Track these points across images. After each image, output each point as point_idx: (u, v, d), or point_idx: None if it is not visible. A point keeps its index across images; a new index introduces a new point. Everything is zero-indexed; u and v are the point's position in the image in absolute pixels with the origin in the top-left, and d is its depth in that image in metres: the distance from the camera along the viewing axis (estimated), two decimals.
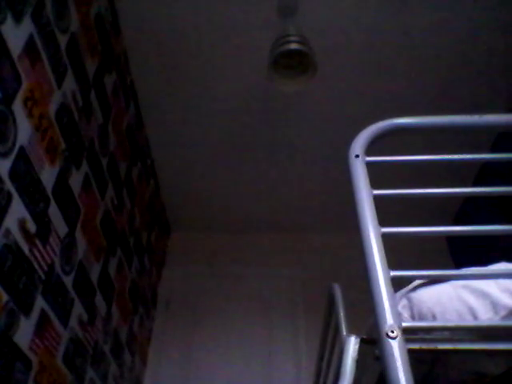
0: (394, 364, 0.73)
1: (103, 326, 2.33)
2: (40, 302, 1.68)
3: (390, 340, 0.76)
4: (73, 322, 1.96)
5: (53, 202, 1.76)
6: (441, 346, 0.95)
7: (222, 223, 3.71)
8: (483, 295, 1.02)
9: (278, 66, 2.34)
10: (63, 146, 1.83)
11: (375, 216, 0.96)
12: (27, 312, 1.59)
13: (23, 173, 1.54)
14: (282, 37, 2.29)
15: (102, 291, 2.29)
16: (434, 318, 1.03)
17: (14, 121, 1.48)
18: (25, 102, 1.53)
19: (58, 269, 1.81)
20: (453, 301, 1.04)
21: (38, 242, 1.65)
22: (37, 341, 1.66)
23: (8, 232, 1.46)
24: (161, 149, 3.19)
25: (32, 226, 1.60)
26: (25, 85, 1.53)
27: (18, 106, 1.49)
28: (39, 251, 1.66)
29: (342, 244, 3.21)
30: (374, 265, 0.87)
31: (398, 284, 0.91)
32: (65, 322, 1.89)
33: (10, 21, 1.43)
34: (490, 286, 1.03)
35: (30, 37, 1.56)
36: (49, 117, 1.71)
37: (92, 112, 2.13)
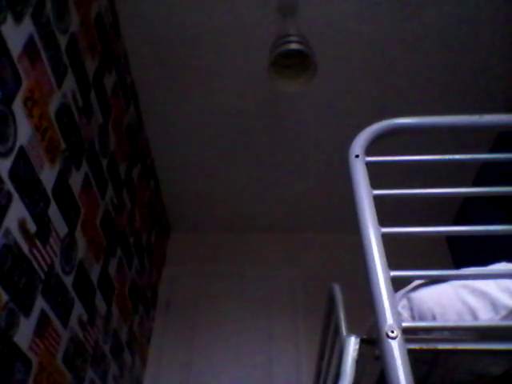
0: (394, 364, 0.73)
1: (103, 326, 2.33)
2: (40, 302, 1.68)
3: (390, 340, 0.76)
4: (73, 322, 1.96)
5: (53, 202, 1.76)
6: (441, 346, 0.95)
7: (221, 223, 3.71)
8: (483, 295, 1.02)
9: (278, 65, 2.34)
10: (63, 145, 1.83)
11: (375, 216, 0.96)
12: (27, 312, 1.59)
13: (23, 173, 1.54)
14: (282, 37, 2.29)
15: (102, 291, 2.29)
16: (433, 318, 1.03)
17: (14, 121, 1.47)
18: (25, 102, 1.53)
19: (58, 269, 1.81)
20: (453, 301, 1.04)
21: (37, 242, 1.65)
22: (37, 341, 1.66)
23: (8, 232, 1.46)
24: (161, 149, 3.19)
25: (32, 226, 1.60)
26: (25, 85, 1.53)
27: (17, 106, 1.49)
28: (39, 251, 1.66)
29: (341, 244, 3.21)
30: (374, 265, 0.87)
31: (397, 284, 0.91)
32: (65, 322, 1.89)
33: (10, 21, 1.43)
34: (490, 286, 1.03)
35: (30, 37, 1.56)
36: (49, 117, 1.71)
37: (92, 112, 2.13)
